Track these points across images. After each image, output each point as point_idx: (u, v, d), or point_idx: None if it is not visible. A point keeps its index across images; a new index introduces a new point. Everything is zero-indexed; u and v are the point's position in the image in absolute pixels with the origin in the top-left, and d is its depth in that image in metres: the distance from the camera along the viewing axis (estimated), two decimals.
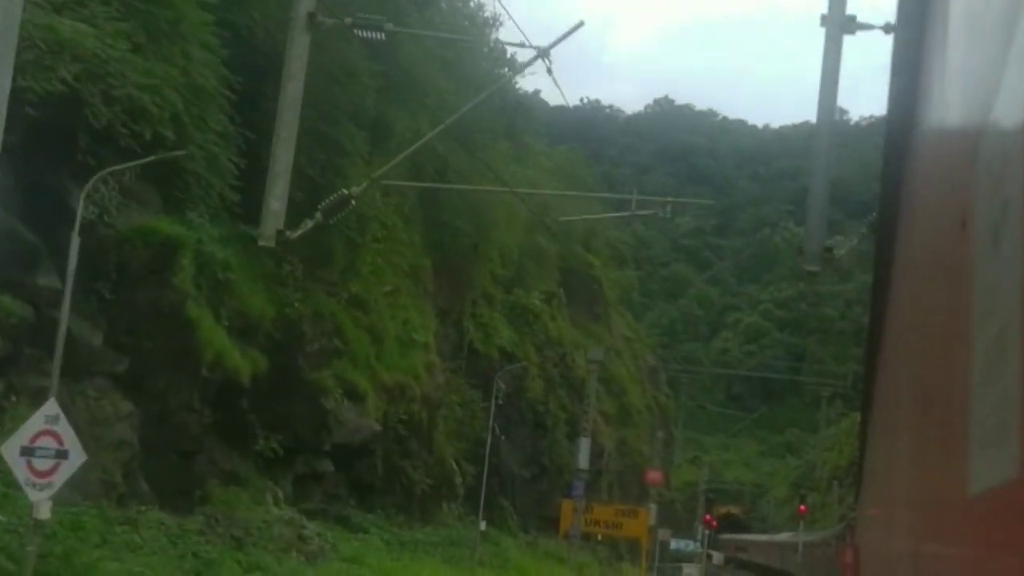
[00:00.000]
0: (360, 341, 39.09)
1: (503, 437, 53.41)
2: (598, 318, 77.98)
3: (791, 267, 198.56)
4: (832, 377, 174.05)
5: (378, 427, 38.32)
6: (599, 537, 60.69)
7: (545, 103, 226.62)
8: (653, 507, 71.28)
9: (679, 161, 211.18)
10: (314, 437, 34.52)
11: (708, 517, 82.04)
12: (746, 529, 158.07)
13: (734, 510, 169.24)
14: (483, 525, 40.85)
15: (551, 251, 64.22)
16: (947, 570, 3.42)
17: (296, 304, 32.28)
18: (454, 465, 46.23)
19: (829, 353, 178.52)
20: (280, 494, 32.40)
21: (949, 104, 3.86)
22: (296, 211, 32.22)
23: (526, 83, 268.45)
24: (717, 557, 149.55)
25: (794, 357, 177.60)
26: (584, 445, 50.22)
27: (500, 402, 53.03)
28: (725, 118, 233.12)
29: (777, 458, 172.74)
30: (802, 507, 79.31)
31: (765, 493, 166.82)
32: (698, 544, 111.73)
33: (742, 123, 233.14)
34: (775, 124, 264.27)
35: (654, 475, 70.93)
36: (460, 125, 48.89)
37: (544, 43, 28.24)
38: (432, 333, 45.07)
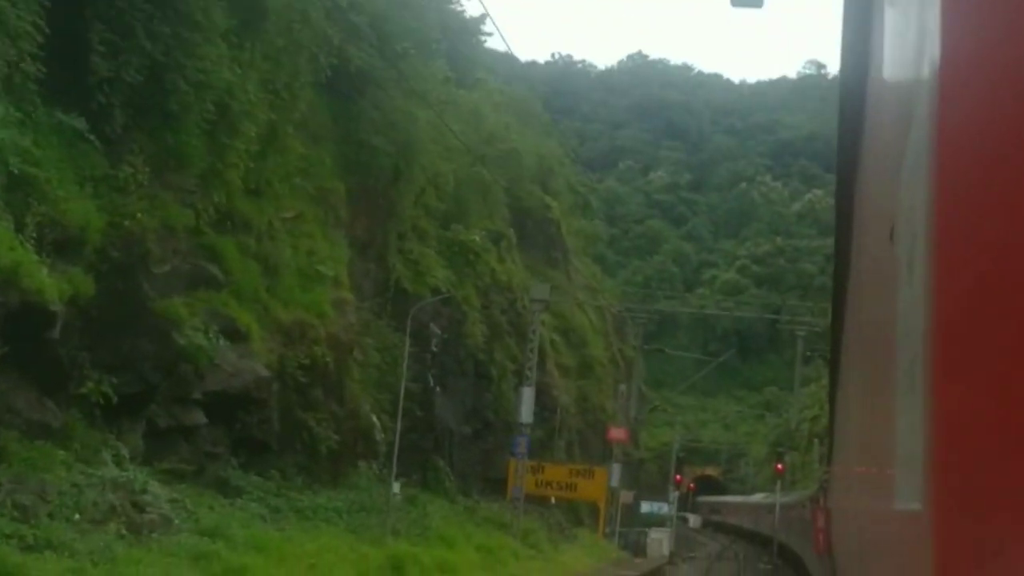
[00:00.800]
0: (247, 271, 32.51)
1: (438, 388, 46.97)
2: (556, 264, 71.46)
3: (768, 222, 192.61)
4: (813, 335, 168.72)
5: (265, 372, 31.72)
6: (553, 500, 54.44)
7: (516, 59, 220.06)
8: (616, 467, 65.06)
9: (654, 116, 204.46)
10: (176, 382, 27.93)
11: (679, 478, 75.89)
12: (724, 491, 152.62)
13: (711, 472, 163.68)
14: (397, 487, 34.23)
15: (498, 187, 57.61)
16: (907, 531, 3.47)
17: (138, 215, 25.59)
18: (374, 419, 39.71)
19: (808, 309, 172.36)
20: (124, 451, 25.80)
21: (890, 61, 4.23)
22: (138, 98, 25.63)
23: (493, 43, 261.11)
24: (693, 520, 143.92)
25: (772, 313, 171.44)
26: (527, 396, 43.78)
27: (435, 349, 46.59)
28: (700, 72, 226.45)
29: (756, 418, 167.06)
30: (779, 465, 73.09)
31: (744, 454, 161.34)
32: (672, 507, 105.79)
33: (717, 77, 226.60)
34: (751, 80, 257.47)
35: (617, 432, 64.69)
36: (381, 31, 42.32)
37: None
38: (344, 266, 38.48)
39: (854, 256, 7.31)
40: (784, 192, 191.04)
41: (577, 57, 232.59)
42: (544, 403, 58.56)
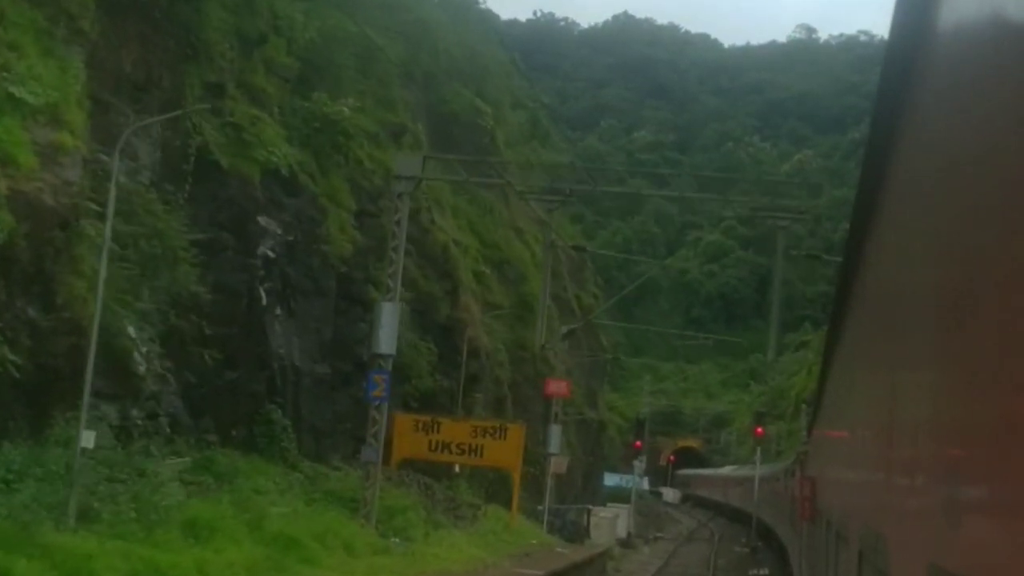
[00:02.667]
0: None
1: (278, 311, 32.35)
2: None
3: (756, 182, 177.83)
4: (800, 298, 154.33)
5: None
6: (457, 469, 39.89)
7: (496, 16, 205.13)
8: (555, 429, 50.49)
9: (638, 75, 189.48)
10: None
11: (639, 444, 61.60)
12: (706, 463, 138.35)
13: (692, 443, 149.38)
14: (90, 440, 19.48)
15: (388, 60, 42.98)
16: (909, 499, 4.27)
17: None
18: (131, 337, 25.05)
19: (797, 273, 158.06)
20: None
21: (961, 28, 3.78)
22: None
23: None
24: (672, 495, 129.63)
25: (758, 278, 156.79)
26: (387, 315, 28.76)
27: (271, 253, 32.01)
28: (688, 32, 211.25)
29: (740, 386, 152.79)
30: (759, 429, 58.66)
31: (727, 424, 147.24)
32: (640, 479, 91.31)
33: (705, 37, 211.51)
34: (740, 43, 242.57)
35: (557, 386, 50.11)
36: None
37: None
38: (75, 100, 23.78)
39: (879, 219, 6.96)
40: (773, 153, 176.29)
41: (560, 15, 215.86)
42: (456, 345, 43.92)
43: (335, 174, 36.63)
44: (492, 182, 35.99)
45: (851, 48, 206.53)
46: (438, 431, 37.31)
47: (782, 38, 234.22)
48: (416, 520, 30.74)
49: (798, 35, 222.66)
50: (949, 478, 3.77)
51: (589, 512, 48.73)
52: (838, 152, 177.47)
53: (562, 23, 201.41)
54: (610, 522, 52.31)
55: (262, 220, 31.29)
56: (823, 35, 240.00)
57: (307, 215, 33.83)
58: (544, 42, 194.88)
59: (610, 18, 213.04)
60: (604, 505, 62.13)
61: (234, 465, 27.56)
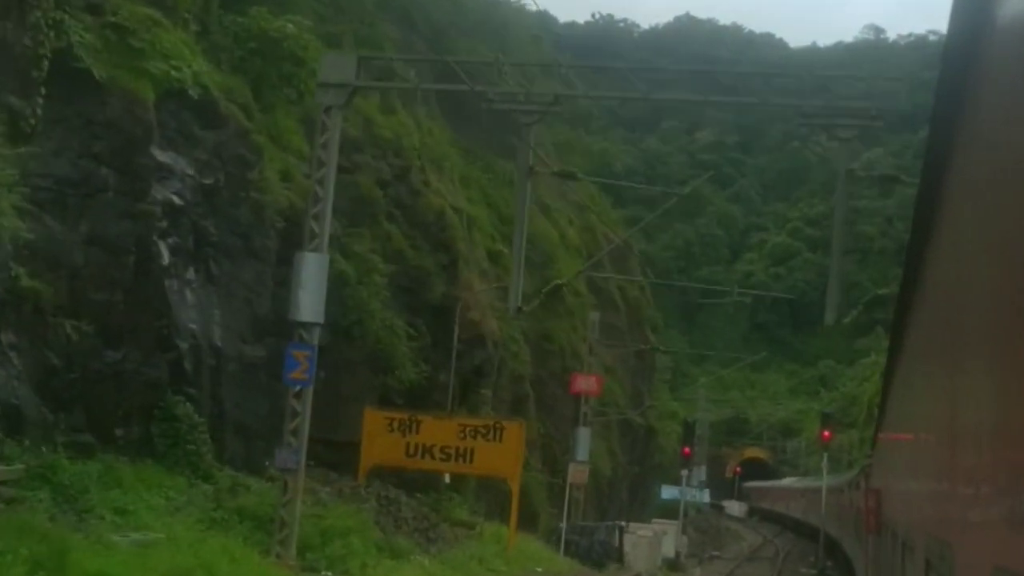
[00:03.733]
0: None
1: (191, 273, 24.38)
2: (511, 153, 48.94)
3: (823, 182, 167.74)
4: (871, 301, 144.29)
5: None
6: (447, 479, 31.66)
7: (555, 19, 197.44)
8: (584, 433, 42.14)
9: (698, 75, 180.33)
10: None
11: (688, 451, 53.04)
12: (774, 475, 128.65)
13: (759, 453, 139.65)
14: None
15: None
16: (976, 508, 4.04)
17: None
18: None
19: (868, 275, 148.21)
20: None
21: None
22: None
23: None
24: (737, 508, 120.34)
25: (827, 281, 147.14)
26: (312, 269, 20.53)
27: (177, 199, 24.12)
28: (751, 32, 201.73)
29: (809, 394, 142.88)
30: (826, 433, 49.89)
31: (796, 433, 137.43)
32: (699, 491, 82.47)
33: (769, 36, 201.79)
34: (805, 43, 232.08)
35: (586, 382, 41.81)
36: None
37: None
38: None
39: (942, 220, 6.78)
40: (841, 151, 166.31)
41: (619, 17, 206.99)
42: (448, 329, 35.70)
43: (282, 111, 28.66)
44: (452, 87, 27.63)
45: (920, 47, 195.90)
46: (417, 431, 29.16)
47: (848, 39, 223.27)
48: (361, 546, 22.52)
49: (866, 35, 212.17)
50: (1015, 484, 3.77)
51: (622, 530, 40.21)
52: (909, 150, 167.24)
53: (621, 24, 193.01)
54: (652, 541, 43.74)
55: (160, 155, 23.32)
56: (891, 35, 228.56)
57: (233, 154, 25.80)
58: (603, 44, 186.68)
59: (671, 19, 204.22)
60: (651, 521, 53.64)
61: (88, 475, 19.58)
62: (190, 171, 24.42)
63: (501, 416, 31.66)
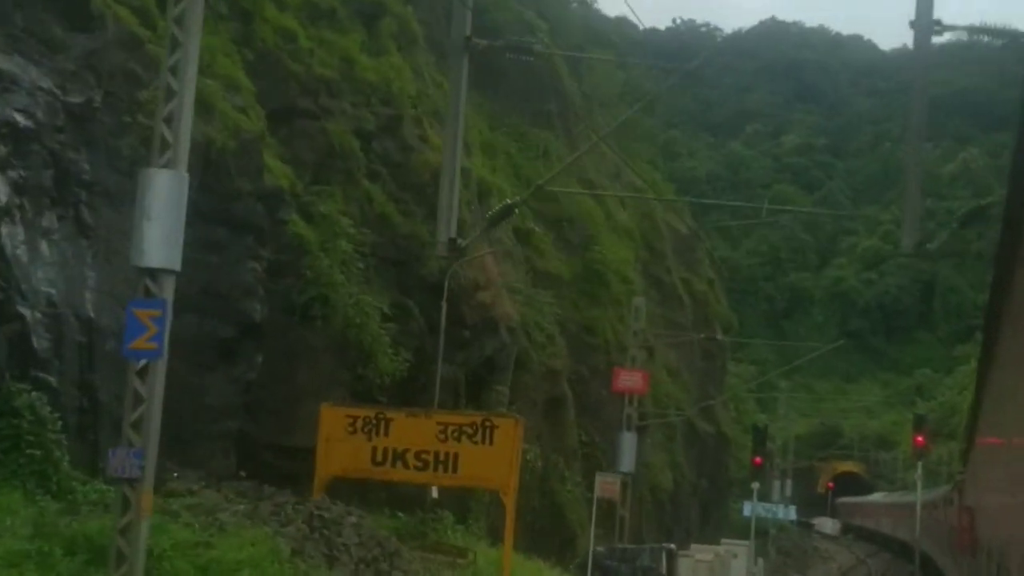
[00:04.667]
0: None
1: (45, 224, 17.98)
2: (548, 122, 42.06)
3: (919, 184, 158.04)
4: (970, 306, 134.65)
5: None
6: (435, 493, 24.82)
7: (635, 26, 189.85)
8: (628, 439, 35.07)
9: (786, 78, 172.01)
10: None
11: (759, 461, 45.68)
12: (869, 490, 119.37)
13: (854, 468, 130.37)
14: None
15: None
16: None
17: None
18: None
19: (966, 280, 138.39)
20: None
21: None
22: None
23: (612, 6, 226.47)
24: (830, 526, 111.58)
25: (923, 286, 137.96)
26: (161, 192, 14.35)
27: (26, 120, 17.73)
28: (839, 34, 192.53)
29: (906, 404, 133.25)
30: (920, 438, 42.22)
31: (892, 446, 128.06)
32: (783, 506, 74.64)
33: (857, 38, 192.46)
34: (897, 44, 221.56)
35: (628, 378, 34.79)
36: None
37: None
38: None
39: None
40: (935, 152, 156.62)
41: (701, 21, 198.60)
42: (459, 314, 28.90)
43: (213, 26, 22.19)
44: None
45: (1019, 49, 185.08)
46: (386, 432, 22.29)
47: (941, 39, 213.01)
48: None
49: (960, 36, 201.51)
50: None
51: (671, 554, 32.92)
52: (1006, 150, 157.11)
53: (703, 29, 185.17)
54: (715, 566, 36.35)
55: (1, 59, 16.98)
56: (987, 35, 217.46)
57: (116, 67, 19.36)
58: (685, 49, 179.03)
59: (756, 23, 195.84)
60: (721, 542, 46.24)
61: None
62: (45, 84, 18.00)
63: (492, 412, 24.68)
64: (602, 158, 46.31)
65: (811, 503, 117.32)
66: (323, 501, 21.38)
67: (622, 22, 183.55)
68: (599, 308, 39.65)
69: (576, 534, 34.90)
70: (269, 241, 22.77)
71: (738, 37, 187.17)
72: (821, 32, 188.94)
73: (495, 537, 25.85)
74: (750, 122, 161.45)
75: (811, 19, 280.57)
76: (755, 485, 44.45)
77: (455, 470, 22.28)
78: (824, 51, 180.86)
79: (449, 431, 22.39)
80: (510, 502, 22.07)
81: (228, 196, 21.68)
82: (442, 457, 22.30)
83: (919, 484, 45.08)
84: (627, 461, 34.44)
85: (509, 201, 25.93)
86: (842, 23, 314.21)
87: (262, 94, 24.09)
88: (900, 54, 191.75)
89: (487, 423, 22.45)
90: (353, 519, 20.30)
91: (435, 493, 24.66)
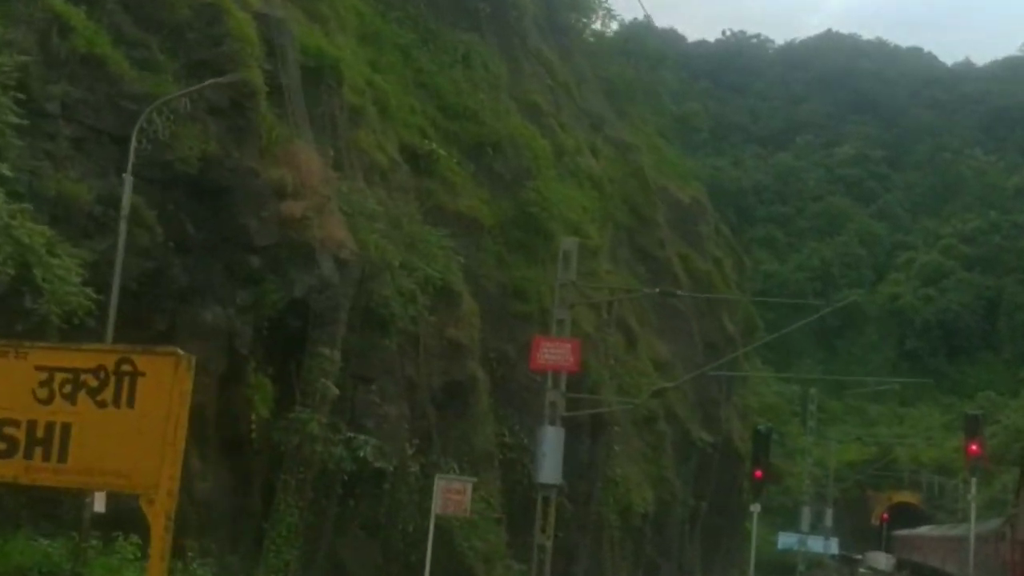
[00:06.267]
0: None
1: None
2: (512, 52, 31.37)
3: (979, 196, 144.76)
4: None
5: None
6: (96, 503, 13.97)
7: (683, 38, 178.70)
8: (551, 434, 23.89)
9: (840, 88, 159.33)
10: None
11: (759, 473, 34.23)
12: (927, 522, 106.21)
13: (910, 498, 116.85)
14: None
15: None
16: None
17: None
18: None
19: None
20: None
21: None
22: None
23: (664, 19, 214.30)
24: (882, 561, 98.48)
25: (986, 302, 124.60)
26: None
27: None
28: (897, 46, 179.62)
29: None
30: (973, 446, 30.72)
31: (952, 474, 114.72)
32: (828, 540, 62.92)
33: (917, 51, 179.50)
34: (959, 57, 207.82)
35: (553, 351, 23.70)
36: None
37: None
38: None
39: None
40: (999, 165, 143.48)
41: (751, 32, 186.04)
42: (245, 231, 18.08)
43: None
44: None
45: None
46: None
47: (1002, 55, 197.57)
48: None
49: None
50: None
51: None
52: None
53: (754, 40, 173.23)
54: None
55: None
56: None
57: None
58: (734, 61, 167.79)
59: (811, 35, 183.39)
60: None
61: None
62: None
63: (139, 347, 13.88)
64: (570, 95, 35.29)
65: (865, 536, 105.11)
66: None
67: (670, 34, 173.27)
68: (535, 267, 28.57)
69: (475, 573, 23.80)
70: None
71: (791, 48, 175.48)
72: (879, 44, 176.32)
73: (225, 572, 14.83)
74: (801, 133, 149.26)
75: (868, 32, 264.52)
76: (755, 507, 32.69)
77: (61, 458, 11.32)
78: (882, 62, 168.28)
79: (57, 383, 11.44)
80: (159, 515, 11.01)
81: None
82: (40, 432, 11.36)
83: (972, 510, 33.51)
84: (550, 467, 23.33)
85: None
86: (902, 37, 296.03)
87: None
88: (962, 67, 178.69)
89: (125, 366, 11.42)
90: None
91: (98, 505, 13.70)
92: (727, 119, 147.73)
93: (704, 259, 43.63)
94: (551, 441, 23.64)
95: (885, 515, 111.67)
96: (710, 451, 41.71)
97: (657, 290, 31.42)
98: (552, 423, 23.81)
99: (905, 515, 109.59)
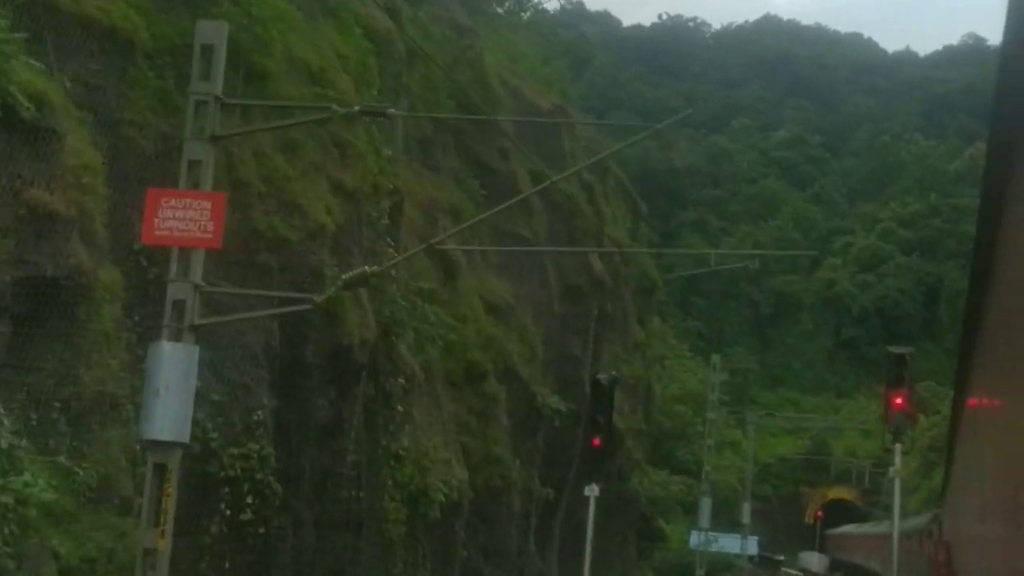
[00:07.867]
0: None
1: None
2: None
3: (919, 179, 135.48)
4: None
5: None
6: None
7: (618, 21, 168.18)
8: (169, 352, 13.45)
9: (778, 73, 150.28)
10: None
11: (597, 442, 24.21)
12: (864, 519, 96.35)
13: (847, 494, 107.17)
14: None
15: None
16: None
17: None
18: None
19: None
20: None
21: None
22: None
23: (593, 4, 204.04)
24: (816, 561, 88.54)
25: (927, 289, 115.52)
26: None
27: None
28: (837, 32, 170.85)
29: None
30: (897, 398, 20.26)
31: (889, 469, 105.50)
32: (745, 539, 52.90)
33: (856, 36, 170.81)
34: (899, 47, 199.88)
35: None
36: None
37: None
38: None
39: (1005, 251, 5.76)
40: (939, 149, 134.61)
41: (688, 16, 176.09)
42: None
43: None
44: None
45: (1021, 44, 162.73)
46: None
47: (941, 46, 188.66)
48: None
49: (967, 41, 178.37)
50: None
51: None
52: None
53: (691, 24, 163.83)
54: None
55: None
56: (993, 43, 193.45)
57: None
58: (670, 45, 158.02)
59: (748, 20, 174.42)
60: None
61: None
62: None
63: None
64: None
65: (799, 536, 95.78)
66: None
67: (604, 17, 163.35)
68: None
69: None
70: None
71: (728, 32, 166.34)
72: (818, 30, 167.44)
73: None
74: (737, 117, 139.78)
75: (807, 18, 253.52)
76: (591, 490, 21.59)
77: None
78: (821, 48, 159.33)
79: None
80: None
81: None
82: None
83: (896, 494, 23.52)
84: (169, 413, 12.71)
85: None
86: (843, 25, 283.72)
87: None
88: (903, 55, 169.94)
89: None
90: None
91: None
92: (662, 103, 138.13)
93: (567, 181, 33.13)
94: (173, 368, 12.97)
95: (820, 512, 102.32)
96: (568, 424, 31.22)
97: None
98: (174, 339, 13.15)
99: (841, 512, 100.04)
